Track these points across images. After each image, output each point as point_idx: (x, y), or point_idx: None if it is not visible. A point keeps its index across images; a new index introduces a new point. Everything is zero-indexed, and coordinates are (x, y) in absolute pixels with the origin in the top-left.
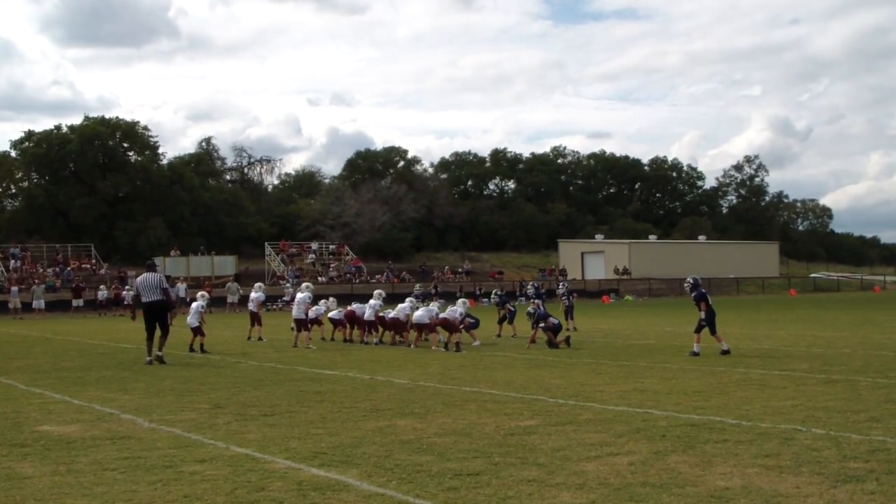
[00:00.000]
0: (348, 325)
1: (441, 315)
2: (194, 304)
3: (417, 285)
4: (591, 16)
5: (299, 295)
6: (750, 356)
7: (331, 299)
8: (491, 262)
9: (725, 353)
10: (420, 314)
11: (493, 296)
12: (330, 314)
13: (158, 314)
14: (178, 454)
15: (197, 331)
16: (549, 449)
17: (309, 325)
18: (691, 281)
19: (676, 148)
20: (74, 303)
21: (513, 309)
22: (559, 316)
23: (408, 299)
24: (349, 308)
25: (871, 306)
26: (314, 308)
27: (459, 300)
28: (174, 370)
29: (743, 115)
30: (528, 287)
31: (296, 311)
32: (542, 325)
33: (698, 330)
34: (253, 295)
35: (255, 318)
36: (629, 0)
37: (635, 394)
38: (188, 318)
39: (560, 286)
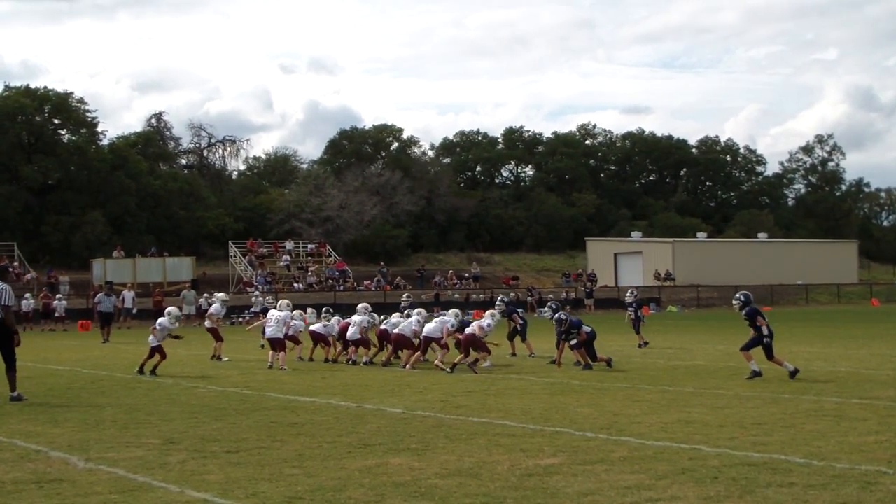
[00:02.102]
0: (334, 342)
1: (469, 330)
2: (163, 321)
3: (405, 295)
4: None
5: (279, 313)
6: (822, 381)
7: (309, 311)
8: (504, 264)
9: (794, 374)
10: (433, 327)
11: (496, 304)
12: (312, 327)
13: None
14: (121, 500)
15: (157, 351)
16: (575, 493)
17: (286, 344)
18: (742, 298)
19: (731, 126)
20: None
21: (522, 321)
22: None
23: (415, 312)
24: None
25: None
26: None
27: (488, 312)
28: (117, 398)
29: (814, 85)
30: (545, 309)
31: (272, 331)
32: (573, 341)
33: (748, 347)
34: (212, 310)
35: (214, 335)
36: None
37: (680, 426)
38: (150, 336)
39: (629, 294)
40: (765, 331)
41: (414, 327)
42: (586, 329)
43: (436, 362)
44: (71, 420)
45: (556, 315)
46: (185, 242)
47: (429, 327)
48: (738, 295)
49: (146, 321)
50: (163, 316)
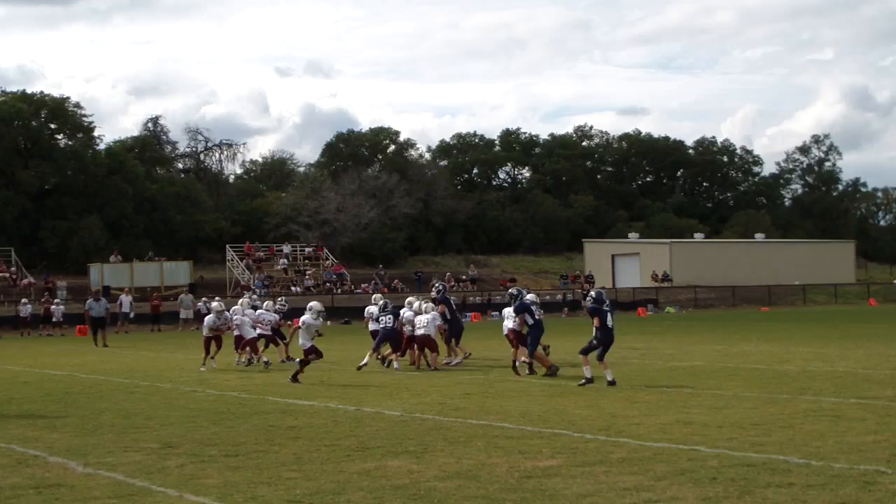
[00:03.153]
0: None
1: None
2: (306, 318)
3: (412, 297)
4: None
5: (268, 314)
6: (820, 380)
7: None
8: (502, 266)
9: (611, 384)
10: (510, 325)
11: (434, 290)
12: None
13: None
14: None
15: (312, 352)
16: (574, 495)
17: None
18: (593, 294)
19: (728, 126)
20: None
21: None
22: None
23: (430, 308)
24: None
25: None
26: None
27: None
28: (115, 402)
29: (811, 85)
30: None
31: (261, 328)
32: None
33: (586, 351)
34: (212, 316)
35: (208, 344)
36: None
37: (679, 427)
38: (300, 339)
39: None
40: (594, 332)
41: (438, 322)
42: (528, 320)
43: (443, 362)
44: (69, 425)
45: (510, 290)
46: (183, 246)
47: (507, 325)
48: (591, 292)
49: (144, 325)
50: (305, 314)
